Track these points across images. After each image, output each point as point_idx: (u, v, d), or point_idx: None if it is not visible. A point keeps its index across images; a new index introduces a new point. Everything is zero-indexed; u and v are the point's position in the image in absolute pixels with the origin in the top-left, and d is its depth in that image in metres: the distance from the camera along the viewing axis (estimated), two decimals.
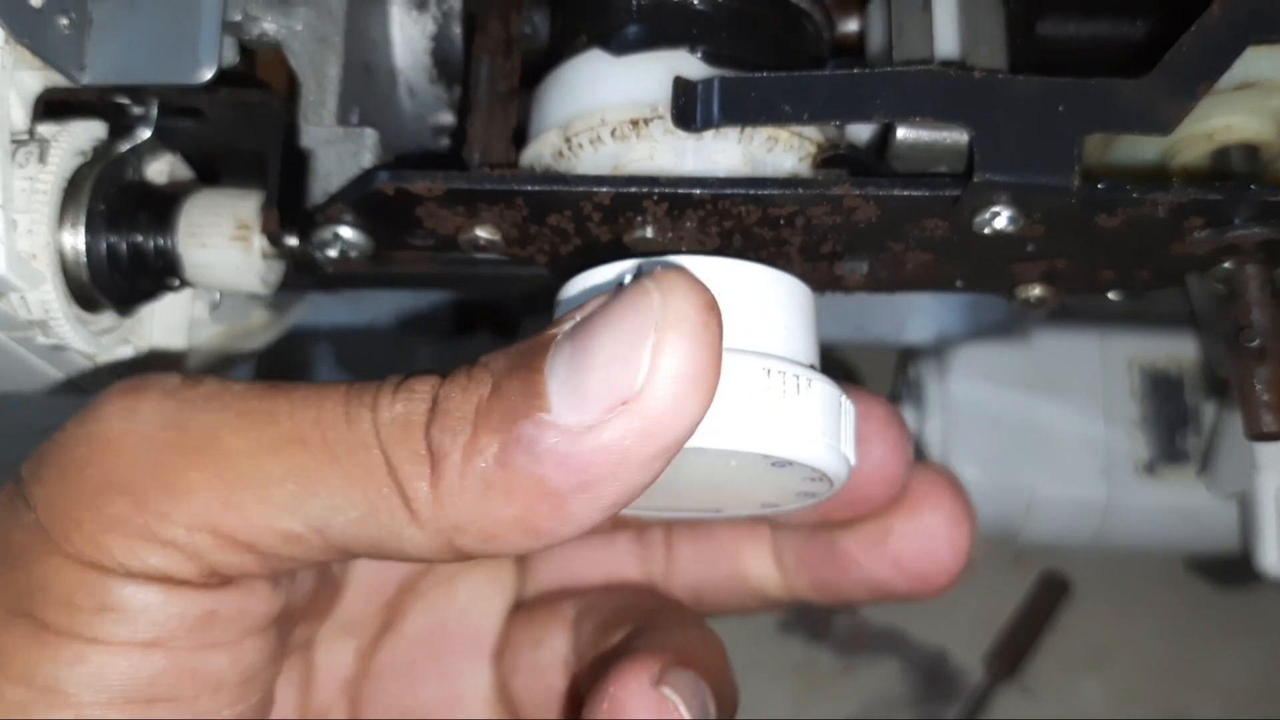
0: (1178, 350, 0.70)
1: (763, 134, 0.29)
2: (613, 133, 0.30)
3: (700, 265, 0.28)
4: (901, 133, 0.29)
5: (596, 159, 0.30)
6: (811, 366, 0.29)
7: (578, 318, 0.24)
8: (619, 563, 0.36)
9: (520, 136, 0.33)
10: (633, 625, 0.31)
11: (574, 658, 0.33)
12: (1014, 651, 0.83)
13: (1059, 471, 0.68)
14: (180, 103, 0.32)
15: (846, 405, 0.29)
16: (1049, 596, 0.84)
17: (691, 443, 0.26)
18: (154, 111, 0.32)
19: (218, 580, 0.25)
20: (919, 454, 0.75)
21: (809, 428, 0.28)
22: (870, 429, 0.31)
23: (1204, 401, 0.67)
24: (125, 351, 0.35)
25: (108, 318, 0.33)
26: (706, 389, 0.23)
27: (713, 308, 0.23)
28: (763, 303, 0.29)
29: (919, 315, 0.69)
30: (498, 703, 0.34)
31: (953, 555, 0.32)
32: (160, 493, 0.25)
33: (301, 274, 0.34)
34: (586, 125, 0.30)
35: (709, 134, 0.29)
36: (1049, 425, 0.68)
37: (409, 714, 0.34)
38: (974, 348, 0.69)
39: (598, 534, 0.34)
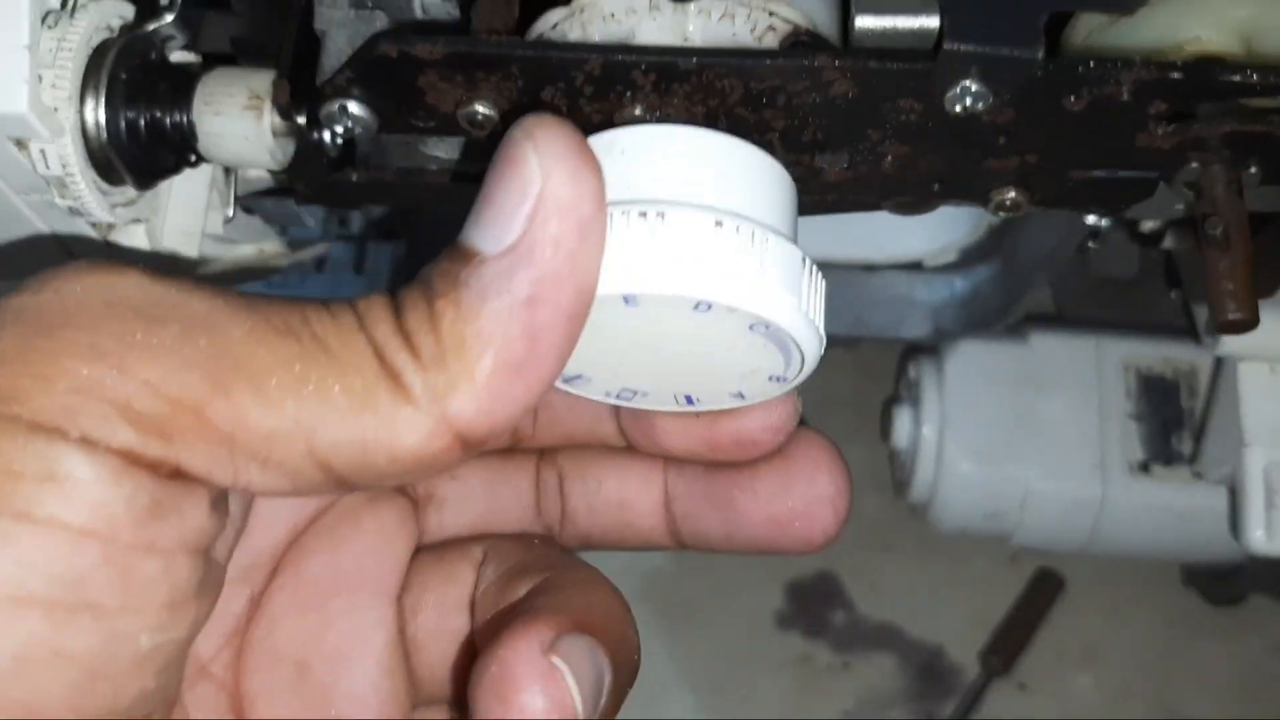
0: (1172, 354, 0.71)
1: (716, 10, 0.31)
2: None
3: (695, 135, 0.30)
4: (860, 20, 0.31)
5: None
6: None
7: None
8: (519, 513, 0.36)
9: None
10: (536, 579, 0.31)
11: (478, 602, 0.33)
12: (1009, 648, 0.83)
13: (1054, 469, 0.69)
14: None
15: (817, 275, 0.29)
16: (1044, 593, 0.84)
17: (663, 290, 0.27)
18: None
19: (176, 471, 0.24)
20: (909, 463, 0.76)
21: (786, 287, 0.28)
22: None
23: (1197, 405, 0.68)
24: (139, 236, 0.37)
25: (124, 192, 0.35)
26: (593, 166, 0.26)
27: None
28: (738, 169, 0.30)
29: (916, 308, 0.70)
30: (398, 645, 0.33)
31: (835, 520, 0.33)
32: (150, 362, 0.24)
33: (311, 160, 0.35)
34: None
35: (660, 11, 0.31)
36: (1045, 424, 0.69)
37: (301, 655, 0.32)
38: (972, 348, 0.71)
39: (495, 476, 0.35)
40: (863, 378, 0.81)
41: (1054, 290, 0.78)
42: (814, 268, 0.29)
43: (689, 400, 0.32)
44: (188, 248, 0.40)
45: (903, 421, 0.71)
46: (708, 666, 0.81)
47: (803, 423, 0.33)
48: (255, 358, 0.24)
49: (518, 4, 0.34)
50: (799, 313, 0.28)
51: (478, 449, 0.26)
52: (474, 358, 0.25)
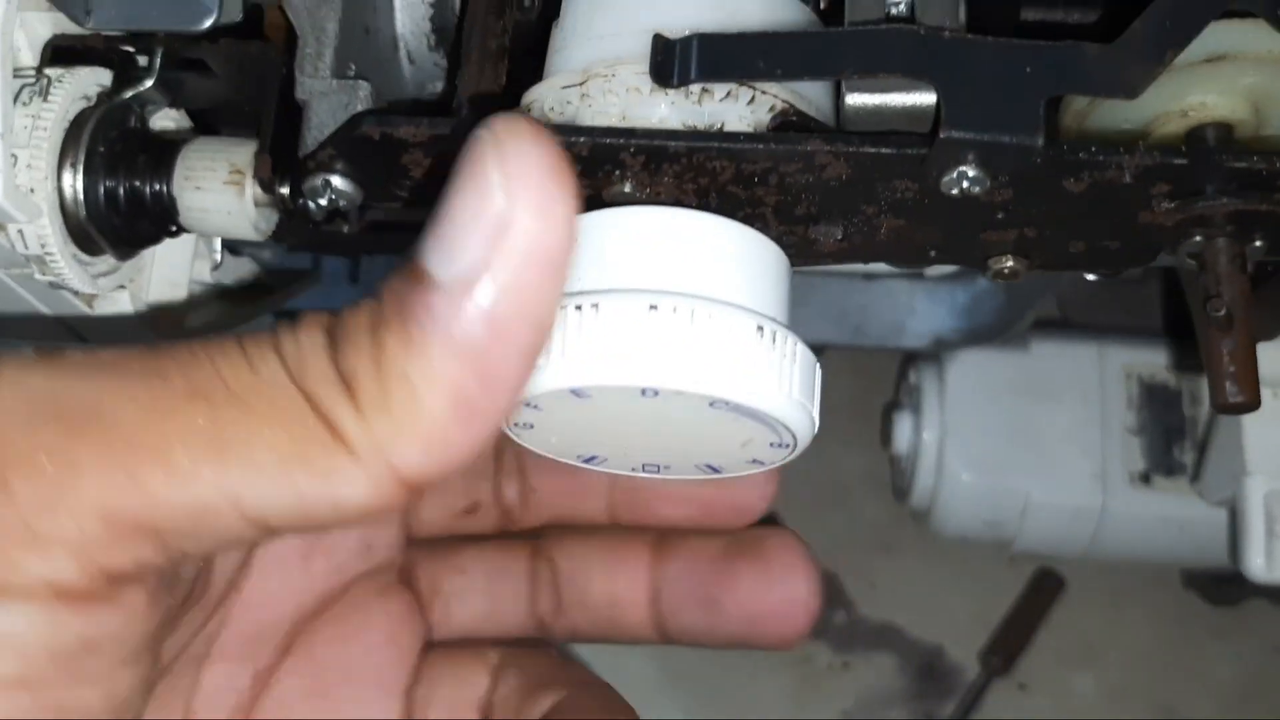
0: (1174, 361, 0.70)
1: (696, 87, 0.30)
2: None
3: (685, 218, 0.29)
4: (850, 98, 0.30)
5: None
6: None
7: None
8: (517, 605, 0.36)
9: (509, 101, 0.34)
10: (556, 696, 0.32)
11: (493, 707, 0.34)
12: (1009, 648, 0.83)
13: (1054, 479, 0.68)
14: (184, 54, 0.33)
15: (780, 337, 0.28)
16: (1044, 593, 0.84)
17: (603, 381, 0.26)
18: (157, 61, 0.33)
19: (104, 583, 0.22)
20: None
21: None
22: None
23: (1200, 414, 0.68)
24: (123, 302, 0.36)
25: (106, 261, 0.34)
26: (566, 192, 0.22)
27: (529, 129, 0.23)
28: (742, 258, 0.29)
29: (916, 319, 0.70)
30: None
31: (807, 619, 0.35)
32: (37, 478, 0.21)
33: (295, 224, 0.34)
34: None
35: (645, 90, 0.30)
36: (1045, 433, 0.69)
37: None
38: (973, 355, 0.70)
39: (495, 569, 0.36)
40: (863, 380, 0.80)
41: (1056, 290, 0.77)
42: (777, 332, 0.28)
43: (711, 469, 0.32)
44: (174, 298, 0.40)
45: (903, 428, 0.71)
46: (706, 666, 0.81)
47: (776, 521, 0.36)
48: (157, 432, 0.22)
49: (505, 69, 0.34)
50: (746, 387, 0.27)
51: (422, 494, 0.24)
52: (422, 398, 0.22)
